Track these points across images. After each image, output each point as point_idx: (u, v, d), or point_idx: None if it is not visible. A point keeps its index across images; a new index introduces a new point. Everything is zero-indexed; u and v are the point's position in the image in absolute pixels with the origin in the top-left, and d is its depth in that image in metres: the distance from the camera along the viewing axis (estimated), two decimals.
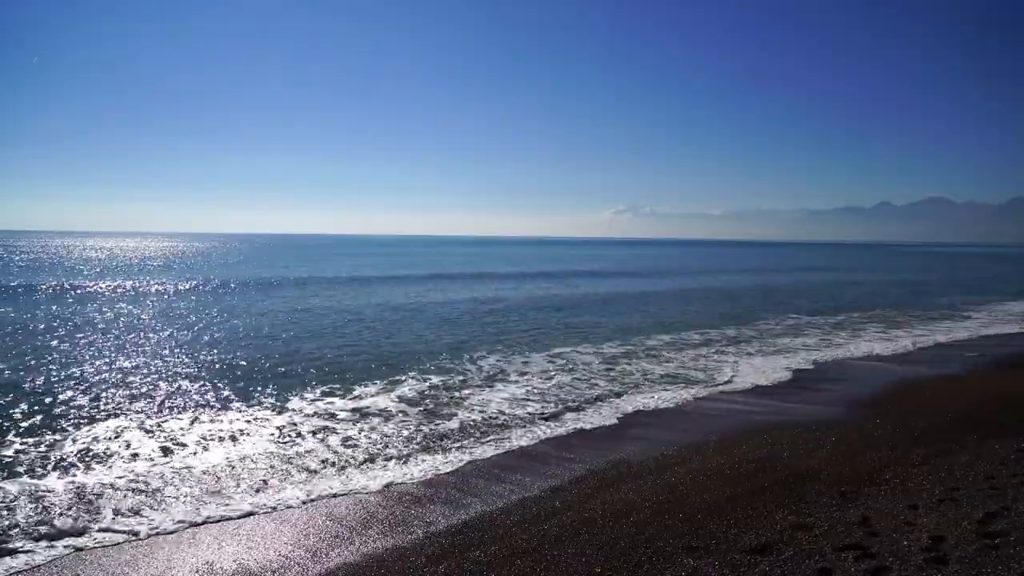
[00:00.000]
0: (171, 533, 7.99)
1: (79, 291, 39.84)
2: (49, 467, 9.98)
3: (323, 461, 10.57)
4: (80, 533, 7.88)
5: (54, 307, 31.22)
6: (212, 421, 12.65)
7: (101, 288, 42.27)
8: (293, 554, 7.41)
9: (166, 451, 10.86)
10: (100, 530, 7.99)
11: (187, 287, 43.87)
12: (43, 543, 7.60)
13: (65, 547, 7.55)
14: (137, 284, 46.01)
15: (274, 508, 8.75)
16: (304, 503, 8.93)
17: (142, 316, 28.72)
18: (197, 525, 8.20)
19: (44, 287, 41.27)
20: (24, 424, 12.12)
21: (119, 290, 41.23)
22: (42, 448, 10.82)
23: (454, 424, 12.74)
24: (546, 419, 13.14)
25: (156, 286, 44.50)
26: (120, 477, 9.70)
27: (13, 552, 7.40)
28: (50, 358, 18.36)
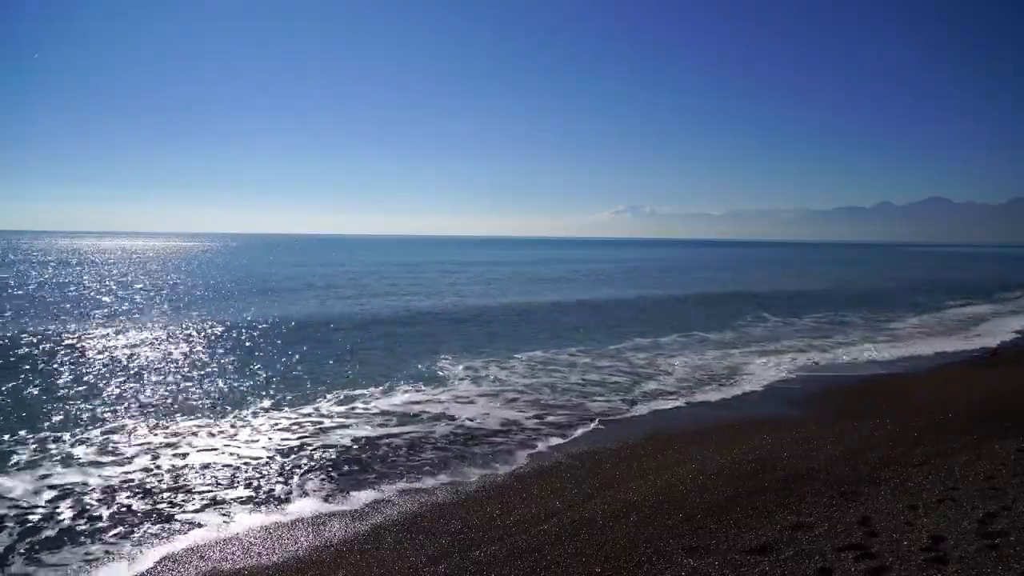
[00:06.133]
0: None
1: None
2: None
3: (336, 458, 10.60)
4: None
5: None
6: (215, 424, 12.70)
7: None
8: (292, 547, 7.43)
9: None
10: None
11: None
12: None
13: None
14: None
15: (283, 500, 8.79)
16: (310, 499, 8.96)
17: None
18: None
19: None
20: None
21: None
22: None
23: (448, 428, 12.76)
24: (547, 419, 13.15)
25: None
26: None
27: None
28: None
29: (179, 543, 7.75)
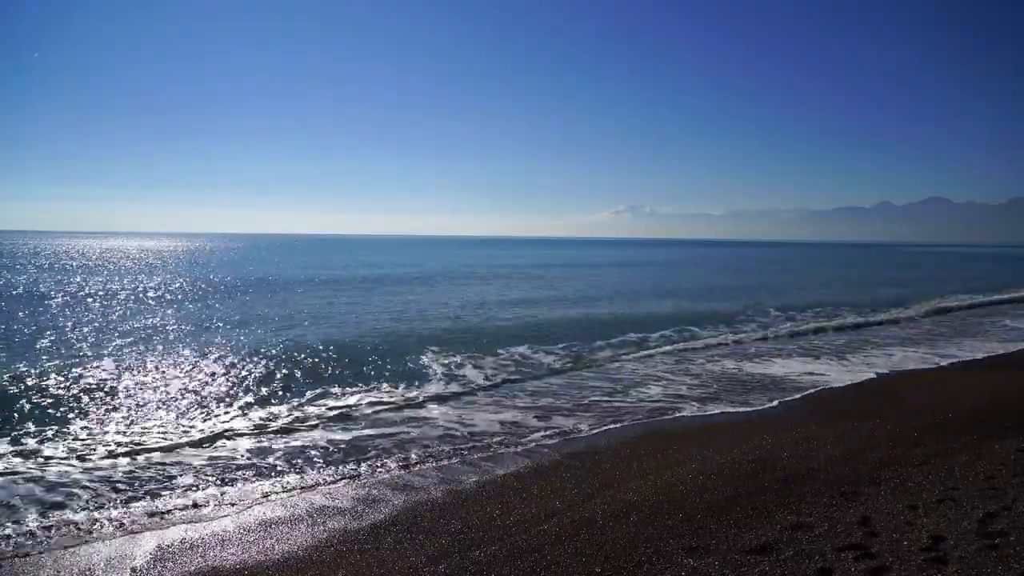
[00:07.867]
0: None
1: None
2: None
3: (333, 453, 10.61)
4: None
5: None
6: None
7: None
8: (292, 547, 7.43)
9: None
10: None
11: None
12: None
13: None
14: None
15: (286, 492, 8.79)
16: (307, 493, 8.96)
17: None
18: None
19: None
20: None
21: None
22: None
23: (448, 428, 12.75)
24: (545, 420, 13.15)
25: None
26: None
27: None
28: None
29: (177, 541, 7.74)
